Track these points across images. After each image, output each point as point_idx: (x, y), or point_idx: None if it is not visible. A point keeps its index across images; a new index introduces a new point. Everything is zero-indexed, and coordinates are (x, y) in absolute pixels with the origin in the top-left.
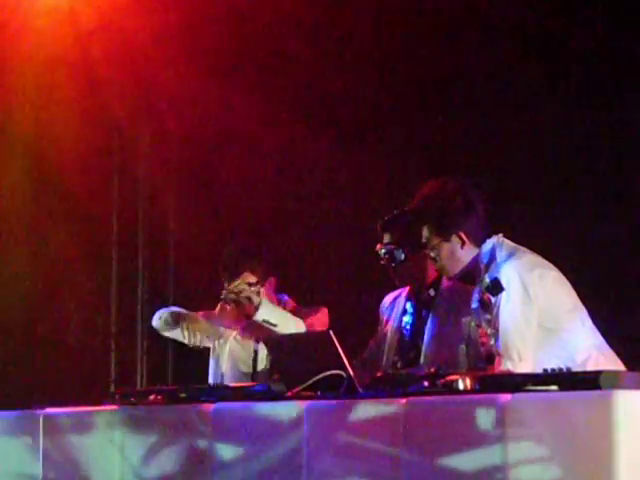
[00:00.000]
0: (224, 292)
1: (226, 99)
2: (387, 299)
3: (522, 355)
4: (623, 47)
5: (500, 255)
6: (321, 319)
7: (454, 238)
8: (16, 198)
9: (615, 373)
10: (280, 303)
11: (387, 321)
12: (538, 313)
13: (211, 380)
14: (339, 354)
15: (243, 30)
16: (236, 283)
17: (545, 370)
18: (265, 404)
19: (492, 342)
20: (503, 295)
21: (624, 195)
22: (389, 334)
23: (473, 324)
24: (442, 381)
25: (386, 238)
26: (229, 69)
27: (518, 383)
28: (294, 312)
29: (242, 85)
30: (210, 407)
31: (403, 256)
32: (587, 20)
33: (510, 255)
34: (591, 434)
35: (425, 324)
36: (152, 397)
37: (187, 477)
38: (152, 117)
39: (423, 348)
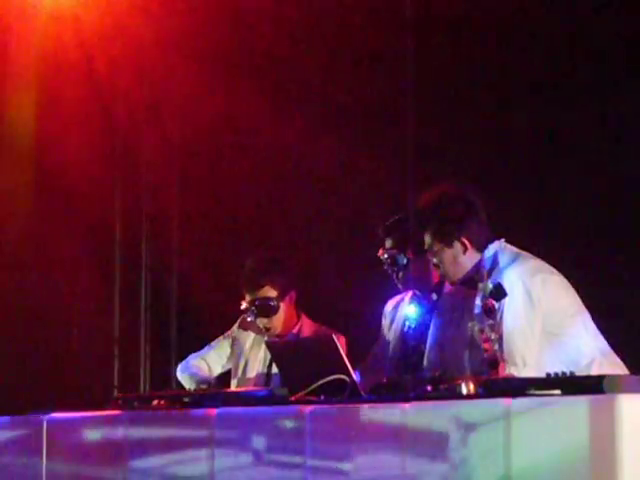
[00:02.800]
0: (244, 303)
1: (229, 100)
2: (390, 304)
3: (526, 360)
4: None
5: (503, 260)
6: None
7: (456, 244)
8: (18, 203)
9: (618, 377)
10: (298, 320)
11: (390, 326)
12: (541, 318)
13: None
14: (342, 359)
15: (247, 33)
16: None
17: (548, 374)
18: (268, 408)
19: (496, 347)
20: (506, 300)
21: (628, 199)
22: (392, 339)
23: (476, 329)
24: (445, 386)
25: (388, 243)
26: (232, 72)
27: (521, 387)
28: (314, 332)
29: (245, 88)
30: (213, 412)
31: (405, 261)
32: (595, 24)
33: (513, 260)
34: (594, 438)
35: (428, 328)
36: (155, 402)
37: None
38: (156, 121)
39: (426, 352)
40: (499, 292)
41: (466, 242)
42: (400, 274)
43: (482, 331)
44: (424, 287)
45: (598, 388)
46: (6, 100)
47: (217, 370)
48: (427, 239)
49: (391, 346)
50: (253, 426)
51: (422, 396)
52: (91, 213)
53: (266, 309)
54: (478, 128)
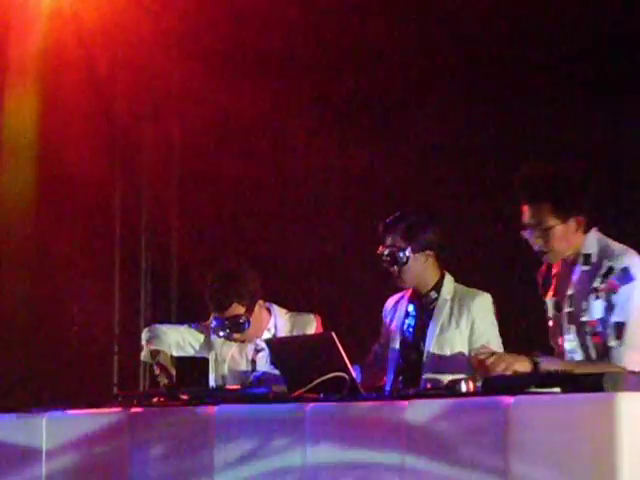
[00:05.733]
0: (213, 321)
1: (229, 100)
2: (390, 302)
3: None
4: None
5: (614, 246)
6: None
7: (571, 221)
8: (19, 201)
9: (618, 375)
10: (271, 314)
11: (390, 324)
12: None
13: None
14: (342, 356)
15: (248, 31)
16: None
17: (548, 372)
18: (267, 406)
19: (608, 331)
20: (635, 284)
21: None
22: (392, 337)
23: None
24: (445, 383)
25: (388, 240)
26: (232, 70)
27: (521, 385)
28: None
29: (245, 86)
30: (213, 409)
31: (405, 258)
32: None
33: (625, 249)
34: (594, 436)
35: (427, 326)
36: (155, 399)
37: (189, 478)
38: (156, 119)
39: (425, 350)
40: (626, 275)
41: (581, 220)
42: (400, 271)
43: (593, 325)
44: (424, 284)
45: (598, 386)
46: (6, 98)
47: (187, 349)
48: (539, 213)
49: (391, 344)
50: (253, 423)
51: (422, 394)
52: (91, 211)
53: (237, 326)
54: (479, 127)
